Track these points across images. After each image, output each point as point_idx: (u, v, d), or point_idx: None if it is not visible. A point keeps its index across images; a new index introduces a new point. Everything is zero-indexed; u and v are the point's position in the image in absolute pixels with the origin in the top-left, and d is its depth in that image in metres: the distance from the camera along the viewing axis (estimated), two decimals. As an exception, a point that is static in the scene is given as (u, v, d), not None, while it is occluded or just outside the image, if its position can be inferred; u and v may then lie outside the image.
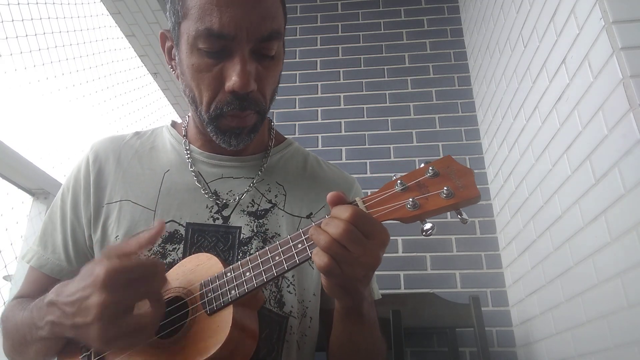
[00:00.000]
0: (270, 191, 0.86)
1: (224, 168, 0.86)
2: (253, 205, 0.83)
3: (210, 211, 0.82)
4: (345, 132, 2.19)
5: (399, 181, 0.62)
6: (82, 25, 2.01)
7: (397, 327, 1.48)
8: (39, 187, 1.56)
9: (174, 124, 0.95)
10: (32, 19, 1.63)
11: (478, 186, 0.62)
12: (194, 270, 0.70)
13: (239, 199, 0.83)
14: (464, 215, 0.62)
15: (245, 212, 0.82)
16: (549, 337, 1.47)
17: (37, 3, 1.66)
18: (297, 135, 2.19)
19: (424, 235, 0.61)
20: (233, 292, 0.64)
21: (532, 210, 1.57)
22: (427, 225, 0.60)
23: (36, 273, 0.84)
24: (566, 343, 1.35)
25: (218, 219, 0.81)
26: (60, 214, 0.85)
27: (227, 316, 0.63)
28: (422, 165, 0.64)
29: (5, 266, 1.44)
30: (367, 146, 2.15)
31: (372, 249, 0.59)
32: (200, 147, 0.88)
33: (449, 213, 1.98)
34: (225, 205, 0.82)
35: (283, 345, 0.78)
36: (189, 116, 0.92)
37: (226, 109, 0.75)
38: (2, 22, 1.47)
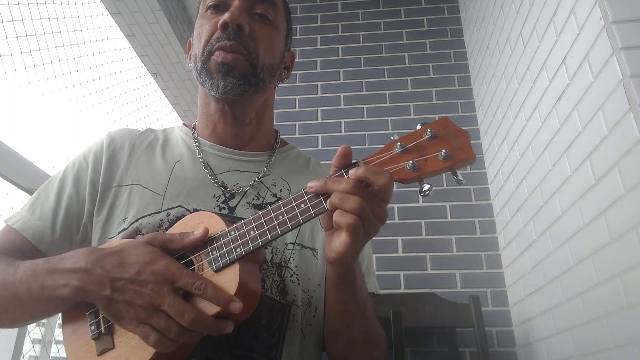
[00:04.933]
0: (275, 185, 0.89)
1: (232, 161, 0.90)
2: (258, 198, 0.86)
3: (217, 200, 0.84)
4: (345, 132, 2.19)
5: (398, 143, 0.64)
6: (82, 25, 2.01)
7: (397, 327, 1.48)
8: (39, 187, 1.56)
9: (184, 124, 1.00)
10: (32, 19, 1.63)
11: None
12: (196, 228, 0.71)
13: (246, 191, 0.86)
14: (460, 176, 0.63)
15: (250, 204, 0.85)
16: (549, 337, 1.47)
17: (37, 3, 1.66)
18: (297, 135, 2.19)
19: (422, 196, 0.62)
20: (239, 250, 0.66)
21: (532, 210, 1.57)
22: (426, 187, 0.62)
23: (16, 234, 0.82)
24: (566, 343, 1.35)
25: (224, 208, 0.83)
26: (58, 185, 0.86)
27: (234, 273, 0.65)
28: (419, 126, 0.65)
29: (5, 266, 1.43)
30: (367, 146, 2.15)
31: (380, 204, 0.62)
32: (207, 138, 0.92)
33: (448, 213, 1.99)
34: (232, 196, 0.85)
35: (285, 332, 0.78)
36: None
37: (214, 43, 0.82)
38: (2, 22, 1.47)
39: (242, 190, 0.86)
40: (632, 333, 1.04)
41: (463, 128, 0.65)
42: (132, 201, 0.82)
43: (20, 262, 0.73)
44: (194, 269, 0.68)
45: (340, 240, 0.63)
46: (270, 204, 0.84)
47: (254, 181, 0.87)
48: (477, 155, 0.65)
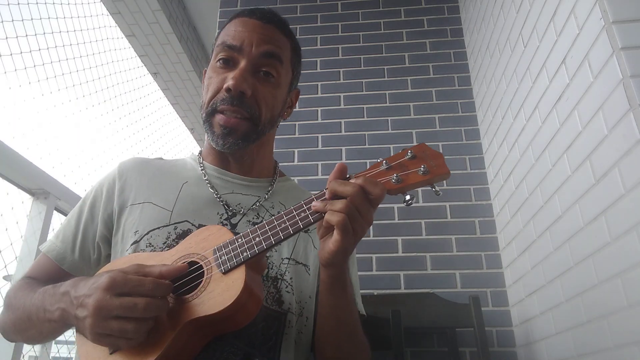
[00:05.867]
0: (273, 208, 0.97)
1: (235, 185, 0.98)
2: (258, 218, 0.94)
3: (221, 217, 0.91)
4: (345, 132, 2.19)
5: (384, 162, 0.74)
6: (82, 25, 2.01)
7: (397, 327, 1.48)
8: (39, 187, 1.56)
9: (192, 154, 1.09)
10: (32, 19, 1.63)
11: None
12: (206, 239, 0.79)
13: (246, 210, 0.94)
14: (437, 188, 0.74)
15: (250, 223, 0.92)
16: (549, 337, 1.47)
17: (37, 3, 1.66)
18: (297, 135, 2.19)
19: (405, 205, 0.72)
20: (245, 253, 0.73)
21: (532, 210, 1.57)
22: (408, 196, 0.72)
23: (44, 258, 0.94)
24: (566, 343, 1.35)
25: (227, 225, 0.90)
26: (78, 212, 0.96)
27: (240, 273, 0.72)
28: (401, 150, 0.76)
29: (5, 266, 1.44)
30: (367, 146, 2.14)
31: (371, 210, 0.71)
32: (212, 162, 1.00)
33: (448, 213, 2.00)
34: (234, 215, 0.92)
35: (282, 337, 0.85)
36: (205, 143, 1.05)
37: (219, 105, 0.90)
38: (2, 22, 1.47)
39: (244, 210, 0.94)
40: (632, 333, 1.04)
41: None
42: (143, 216, 0.90)
43: (39, 288, 0.82)
44: (203, 272, 0.75)
45: (332, 239, 0.71)
46: None
47: (255, 203, 0.96)
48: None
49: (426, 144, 0.77)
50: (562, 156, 1.34)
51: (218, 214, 0.91)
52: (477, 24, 2.12)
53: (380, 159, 0.75)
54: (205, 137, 1.02)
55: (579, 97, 1.23)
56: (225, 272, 0.73)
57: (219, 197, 0.94)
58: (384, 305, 1.55)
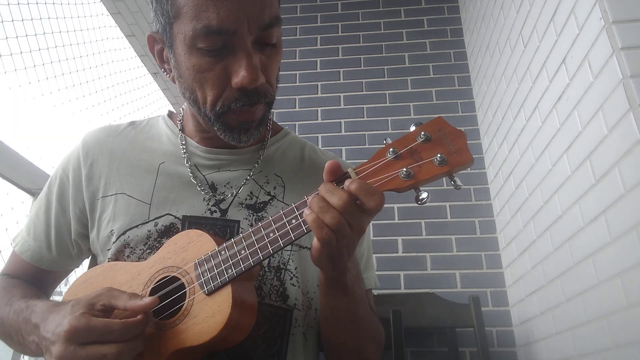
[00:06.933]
0: (268, 183, 0.83)
1: (221, 160, 0.83)
2: (252, 198, 0.81)
3: (208, 204, 0.79)
4: (345, 132, 2.19)
5: (390, 149, 0.60)
6: (82, 25, 2.01)
7: (397, 327, 1.48)
8: (39, 187, 1.56)
9: (170, 115, 0.92)
10: (32, 19, 1.63)
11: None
12: (185, 248, 0.69)
13: (237, 192, 0.80)
14: (458, 182, 0.59)
15: (243, 205, 0.80)
16: (549, 337, 1.47)
17: (37, 3, 1.66)
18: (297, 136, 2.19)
19: (418, 204, 0.60)
20: (230, 271, 0.64)
21: (532, 210, 1.57)
22: (423, 195, 0.59)
23: (18, 258, 0.85)
24: (566, 343, 1.35)
25: (216, 211, 0.79)
26: (45, 203, 0.85)
27: (226, 295, 0.63)
28: (413, 128, 0.61)
29: (5, 266, 1.44)
30: (367, 146, 2.15)
31: (366, 220, 0.60)
32: (198, 142, 0.84)
33: (448, 213, 1.99)
34: (223, 199, 0.80)
35: (288, 338, 0.76)
36: (183, 109, 0.89)
37: (234, 106, 0.71)
38: (2, 22, 1.47)
39: (234, 191, 0.81)
40: (632, 333, 1.04)
41: (462, 128, 0.61)
42: (118, 212, 0.78)
43: (14, 301, 0.75)
44: (185, 293, 0.66)
45: (313, 246, 0.63)
46: (265, 202, 0.81)
47: (246, 180, 0.81)
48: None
49: (442, 117, 0.61)
50: (562, 156, 1.34)
51: (204, 200, 0.79)
52: (477, 24, 2.12)
53: (387, 140, 0.61)
54: (189, 112, 0.85)
55: (579, 97, 1.23)
56: (210, 294, 0.64)
57: (203, 180, 0.81)
58: (384, 305, 1.55)
